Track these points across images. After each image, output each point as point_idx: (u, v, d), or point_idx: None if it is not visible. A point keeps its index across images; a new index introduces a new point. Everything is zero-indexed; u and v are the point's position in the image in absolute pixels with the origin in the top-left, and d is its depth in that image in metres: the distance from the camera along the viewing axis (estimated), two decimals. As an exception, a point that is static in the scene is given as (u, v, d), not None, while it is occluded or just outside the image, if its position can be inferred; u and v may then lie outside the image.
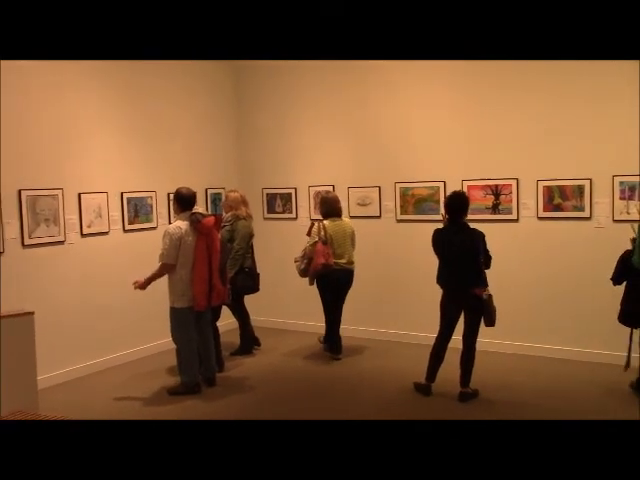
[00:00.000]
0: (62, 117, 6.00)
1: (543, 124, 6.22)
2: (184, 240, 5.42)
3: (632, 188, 5.84)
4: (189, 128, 7.40)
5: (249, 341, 6.85)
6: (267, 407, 5.31)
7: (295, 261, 6.44)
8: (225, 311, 6.50)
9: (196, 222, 5.42)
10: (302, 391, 5.69)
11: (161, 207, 6.99)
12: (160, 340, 6.66)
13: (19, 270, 5.62)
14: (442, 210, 5.61)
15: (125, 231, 6.61)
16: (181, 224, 5.47)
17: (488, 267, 5.28)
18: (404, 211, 7.00)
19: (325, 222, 6.39)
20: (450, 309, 5.33)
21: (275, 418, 4.93)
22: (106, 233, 6.42)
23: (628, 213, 5.82)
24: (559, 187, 6.18)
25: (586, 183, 6.05)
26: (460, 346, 5.34)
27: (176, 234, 5.41)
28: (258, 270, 6.70)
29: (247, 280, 6.48)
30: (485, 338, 5.76)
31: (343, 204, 6.83)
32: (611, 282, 5.30)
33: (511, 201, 6.41)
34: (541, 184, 6.25)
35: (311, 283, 6.41)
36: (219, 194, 7.72)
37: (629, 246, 5.21)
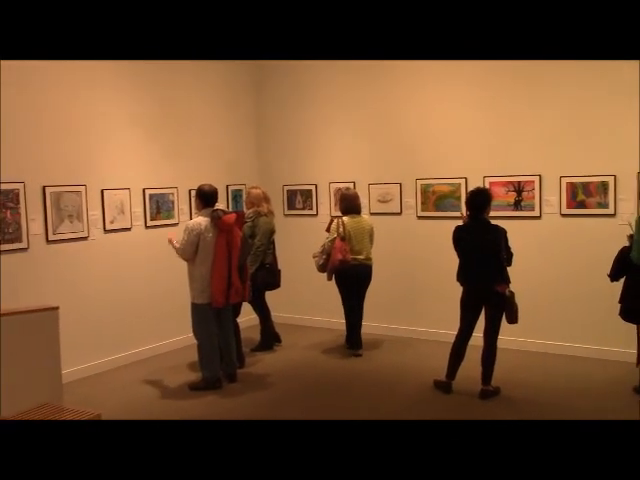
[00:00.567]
0: (86, 114, 6.07)
1: (566, 120, 6.15)
2: (203, 237, 5.45)
3: (658, 184, 5.75)
4: (210, 125, 7.44)
5: (270, 337, 6.89)
6: (287, 404, 5.33)
7: (314, 256, 6.47)
8: (246, 307, 6.54)
9: (217, 219, 5.45)
10: (322, 388, 5.70)
11: (182, 203, 7.04)
12: (182, 335, 6.73)
13: (44, 266, 5.71)
14: (462, 210, 5.57)
15: (147, 227, 6.68)
16: (202, 220, 5.51)
17: (510, 264, 5.24)
18: (425, 208, 6.97)
19: (344, 218, 6.40)
20: (471, 306, 5.30)
21: (295, 415, 4.97)
22: (128, 229, 6.49)
23: (653, 210, 5.74)
24: (583, 184, 6.10)
25: (610, 180, 5.97)
26: (481, 343, 5.31)
27: (195, 230, 5.44)
28: (279, 266, 6.73)
29: (268, 276, 6.51)
30: (506, 336, 5.72)
31: (364, 201, 6.83)
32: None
33: (533, 198, 6.35)
34: (564, 180, 6.18)
35: (329, 278, 6.44)
36: (240, 191, 7.75)
37: None
